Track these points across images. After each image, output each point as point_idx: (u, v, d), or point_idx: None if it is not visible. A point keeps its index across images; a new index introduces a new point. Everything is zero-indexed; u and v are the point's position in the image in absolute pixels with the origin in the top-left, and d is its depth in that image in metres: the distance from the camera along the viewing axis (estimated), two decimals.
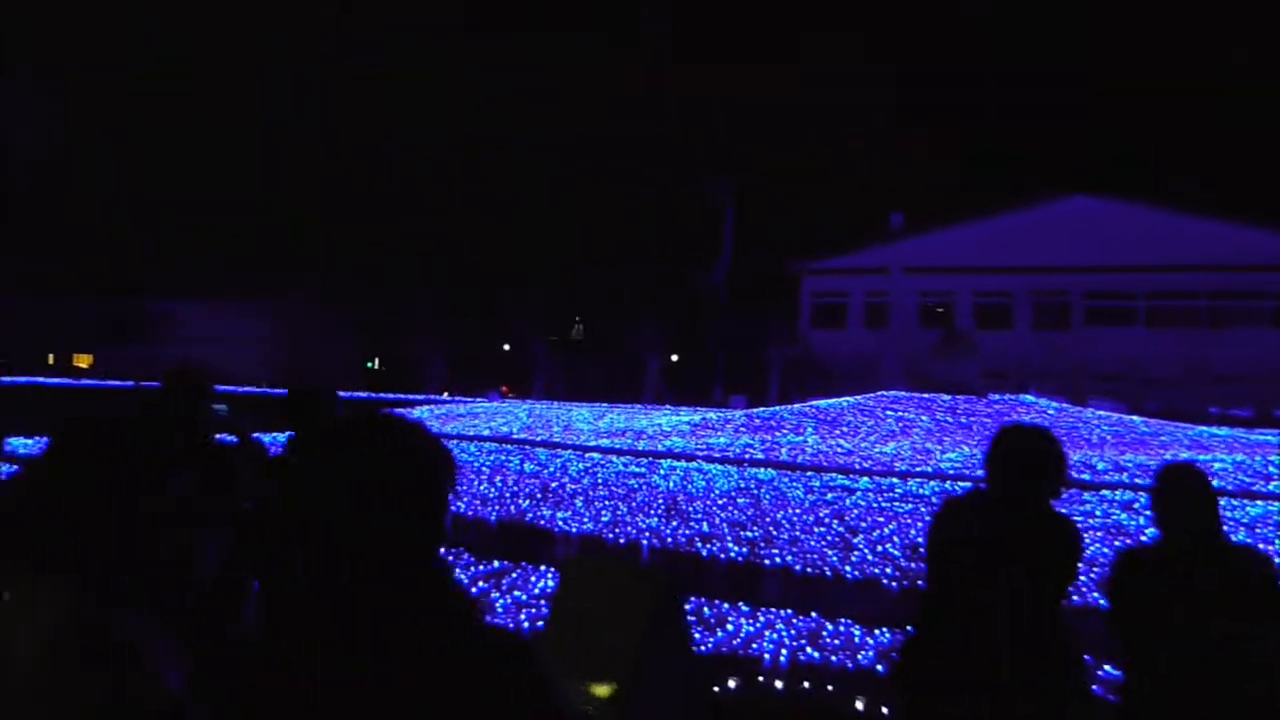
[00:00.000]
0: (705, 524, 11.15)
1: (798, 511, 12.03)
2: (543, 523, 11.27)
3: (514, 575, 8.17)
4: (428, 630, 1.39)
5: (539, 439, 20.12)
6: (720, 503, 12.58)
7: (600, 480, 14.50)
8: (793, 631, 6.75)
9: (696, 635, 6.45)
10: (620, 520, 11.31)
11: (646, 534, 10.60)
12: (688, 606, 7.00)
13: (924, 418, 21.09)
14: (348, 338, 52.35)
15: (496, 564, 8.55)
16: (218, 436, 4.39)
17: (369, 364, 56.30)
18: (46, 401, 25.45)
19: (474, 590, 7.62)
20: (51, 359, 55.12)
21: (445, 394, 42.37)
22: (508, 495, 12.98)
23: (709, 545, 10.05)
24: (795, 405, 24.90)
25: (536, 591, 7.60)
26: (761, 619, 7.00)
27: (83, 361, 57.09)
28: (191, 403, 4.02)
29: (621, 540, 10.41)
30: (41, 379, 42.94)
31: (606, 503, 12.48)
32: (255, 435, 4.75)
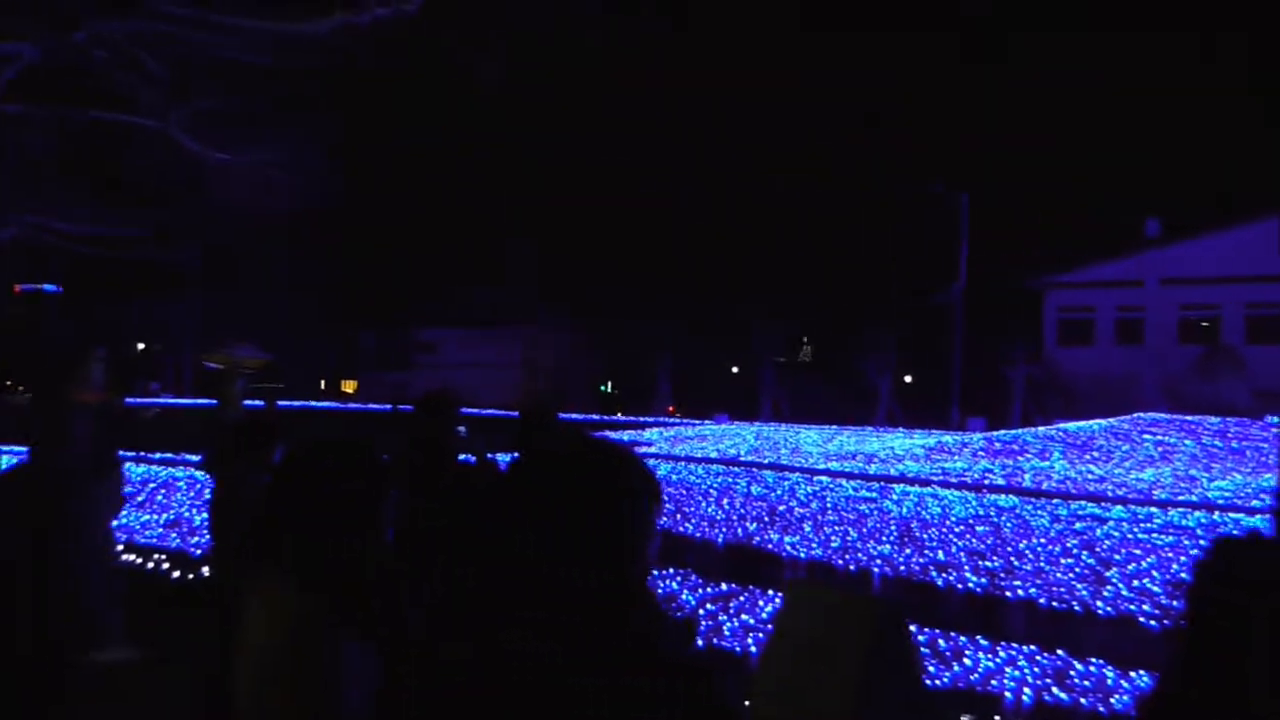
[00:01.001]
0: (941, 552, 10.71)
1: (1043, 541, 11.33)
2: (770, 546, 11.21)
3: (742, 599, 8.18)
4: (614, 658, 1.38)
5: (766, 461, 20.04)
6: (957, 530, 12.05)
7: (829, 504, 14.24)
8: (1036, 669, 6.35)
9: (929, 668, 6.20)
10: (850, 546, 11.06)
11: (878, 561, 10.31)
12: (921, 638, 6.75)
13: (1188, 442, 19.33)
14: (586, 361, 54.24)
15: (724, 586, 8.58)
16: (459, 457, 4.70)
17: (602, 387, 58.13)
18: (316, 423, 27.94)
19: (701, 612, 7.70)
20: (322, 384, 60.60)
21: (671, 415, 43.08)
22: (735, 518, 13.00)
23: (945, 575, 9.65)
24: (1039, 428, 23.49)
25: (764, 615, 7.56)
26: (1002, 655, 6.64)
27: (348, 387, 62.42)
28: (442, 425, 4.32)
29: (852, 567, 10.19)
30: (313, 403, 47.33)
31: (836, 528, 12.25)
32: (490, 455, 5.05)
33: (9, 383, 45.07)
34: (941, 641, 6.89)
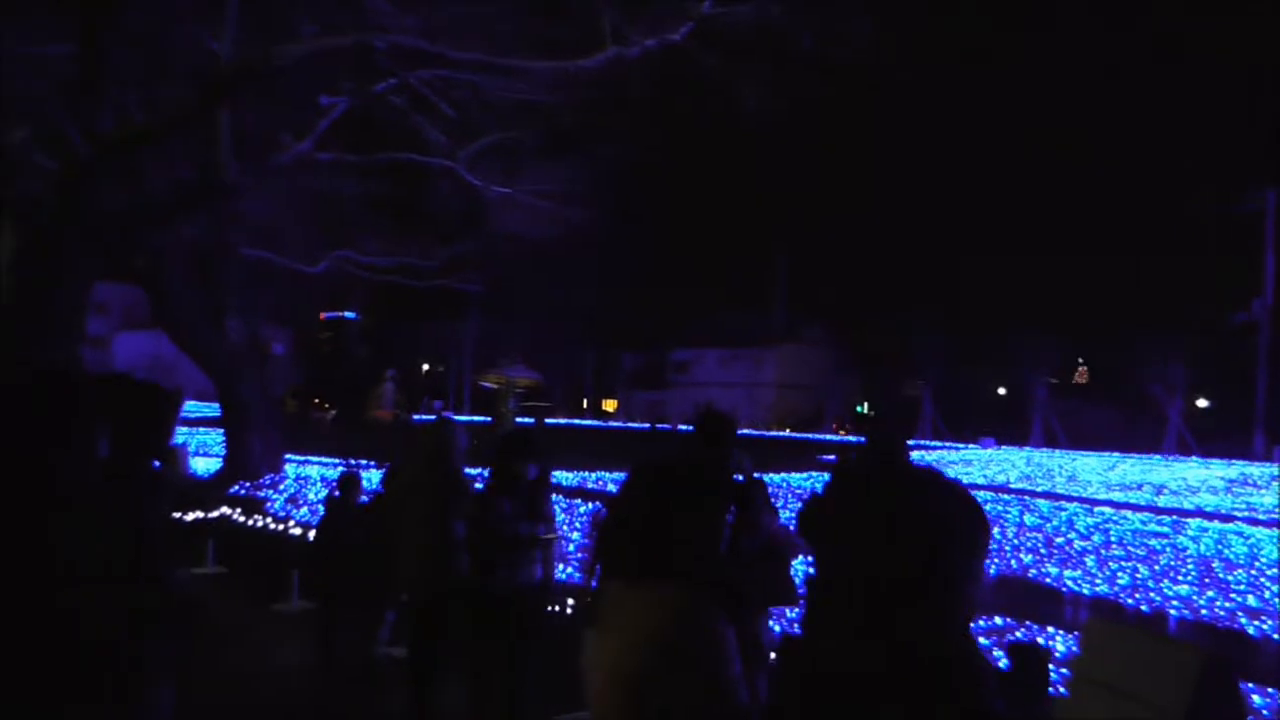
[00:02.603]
0: (1251, 597, 9.60)
1: None
2: (1048, 581, 10.49)
3: (1018, 634, 7.70)
4: (924, 687, 1.37)
5: (1039, 489, 18.82)
6: (1270, 573, 10.76)
7: (1114, 538, 13.16)
8: None
9: None
10: (1141, 585, 10.15)
11: (1174, 603, 9.39)
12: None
13: None
14: (842, 381, 53.29)
15: (999, 620, 8.12)
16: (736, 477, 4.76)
17: (859, 407, 56.89)
18: (580, 440, 29.15)
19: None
20: (584, 403, 63.32)
21: (934, 439, 41.38)
22: (1008, 549, 12.28)
23: (1258, 623, 8.64)
24: None
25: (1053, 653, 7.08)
26: None
27: (609, 406, 64.81)
28: (724, 445, 4.41)
29: (1143, 607, 9.34)
30: (576, 421, 49.53)
31: (1124, 564, 11.29)
32: (758, 475, 5.08)
33: (316, 400, 50.44)
34: (1257, 698, 6.17)
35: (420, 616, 5.72)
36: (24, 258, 8.53)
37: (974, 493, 1.56)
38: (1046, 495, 17.89)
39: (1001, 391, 51.13)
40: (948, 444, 35.60)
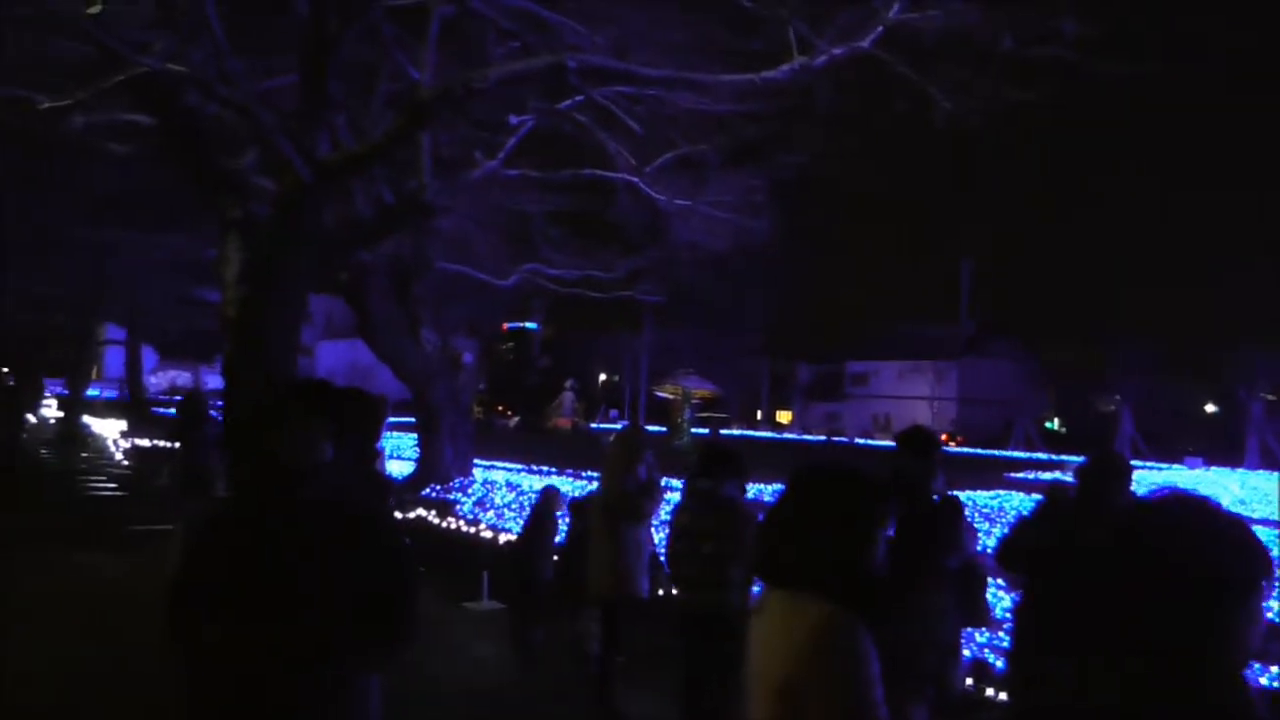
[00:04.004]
0: None
1: None
2: None
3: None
4: None
5: (1256, 515, 17.30)
6: None
7: None
8: None
9: None
10: None
11: None
12: None
13: None
14: (1031, 395, 50.67)
15: None
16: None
17: (1049, 424, 54.02)
18: (755, 452, 28.99)
19: None
20: (759, 414, 62.95)
21: (1133, 457, 38.75)
22: None
23: None
24: None
25: None
26: None
27: (784, 418, 64.18)
28: (921, 462, 4.29)
29: None
30: (751, 433, 49.31)
31: None
32: (952, 494, 4.90)
33: (499, 408, 52.41)
34: None
35: (605, 623, 5.83)
36: (247, 274, 9.29)
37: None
38: (1265, 522, 16.44)
39: (1210, 408, 47.43)
40: (1149, 463, 33.27)
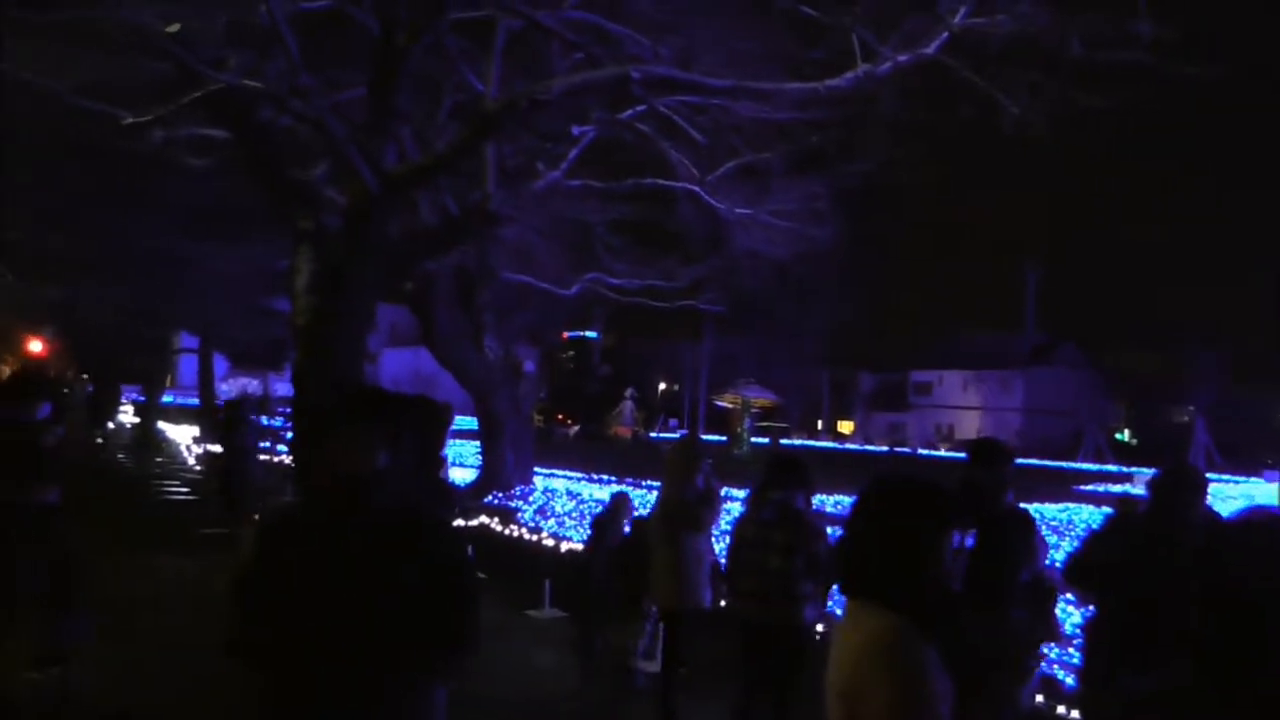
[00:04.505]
0: None
1: None
2: None
3: None
4: None
5: None
6: None
7: None
8: None
9: None
10: None
11: None
12: None
13: None
14: (1100, 405, 49.46)
15: None
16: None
17: (1119, 435, 52.68)
18: (817, 462, 28.76)
19: None
20: (820, 424, 62.42)
21: (1208, 470, 37.51)
22: None
23: None
24: None
25: None
26: None
27: (845, 428, 63.56)
28: (992, 473, 4.23)
29: None
30: (812, 442, 48.90)
31: None
32: (1021, 506, 4.80)
33: (560, 416, 52.73)
34: None
35: (666, 634, 5.83)
36: (317, 283, 9.49)
37: None
38: None
39: None
40: (1225, 476, 32.24)
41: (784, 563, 4.93)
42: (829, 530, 5.19)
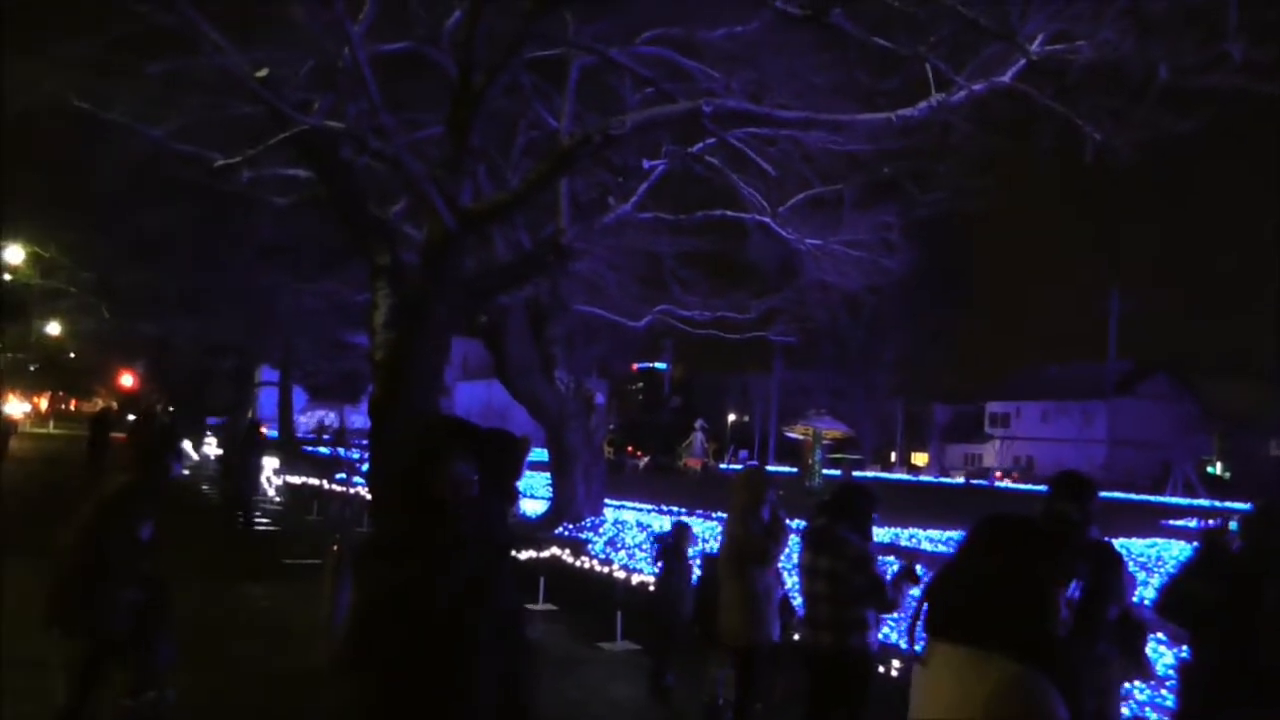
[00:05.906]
0: None
1: None
2: None
3: None
4: None
5: None
6: None
7: None
8: None
9: None
10: None
11: None
12: None
13: None
14: (1191, 438, 47.69)
15: None
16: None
17: (1210, 468, 50.74)
18: (893, 494, 28.28)
19: None
20: (894, 456, 61.39)
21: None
22: None
23: None
24: None
25: None
26: None
27: (919, 459, 62.39)
28: (1079, 505, 4.14)
29: None
30: (885, 474, 48.10)
31: None
32: (1106, 539, 4.66)
33: (630, 447, 52.81)
34: None
35: (740, 670, 5.77)
36: (395, 318, 9.69)
37: None
38: None
39: None
40: None
41: (827, 589, 4.97)
42: (877, 559, 5.22)
